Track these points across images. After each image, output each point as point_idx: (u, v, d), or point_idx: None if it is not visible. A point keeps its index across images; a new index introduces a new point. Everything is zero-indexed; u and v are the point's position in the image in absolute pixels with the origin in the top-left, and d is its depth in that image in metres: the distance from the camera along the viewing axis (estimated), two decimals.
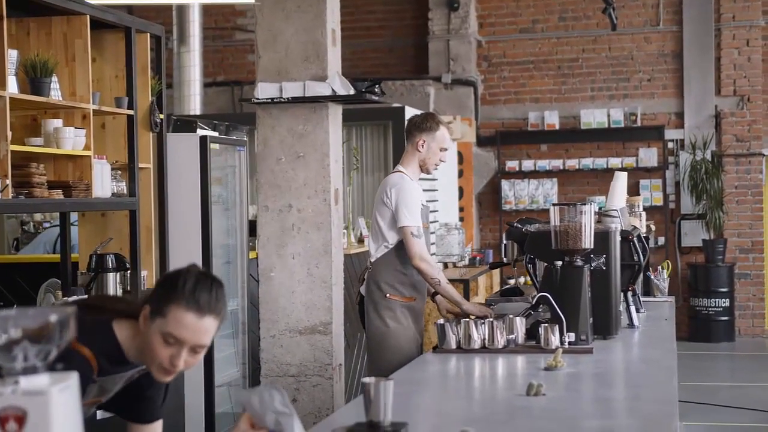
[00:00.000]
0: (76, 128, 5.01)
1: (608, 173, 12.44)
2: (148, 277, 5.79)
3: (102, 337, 2.64)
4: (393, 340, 5.17)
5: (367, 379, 2.72)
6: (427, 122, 5.30)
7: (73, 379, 1.79)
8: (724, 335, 12.20)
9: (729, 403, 8.74)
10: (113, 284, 5.35)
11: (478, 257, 11.17)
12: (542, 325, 4.23)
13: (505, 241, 5.19)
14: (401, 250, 5.21)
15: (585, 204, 4.41)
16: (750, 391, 9.55)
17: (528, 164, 12.81)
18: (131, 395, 2.80)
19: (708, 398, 8.94)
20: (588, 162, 12.67)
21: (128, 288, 5.54)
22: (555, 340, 4.17)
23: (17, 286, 6.36)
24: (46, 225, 8.26)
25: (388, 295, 5.20)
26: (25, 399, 1.71)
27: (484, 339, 4.24)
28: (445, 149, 5.32)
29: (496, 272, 11.26)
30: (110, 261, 5.36)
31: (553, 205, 4.45)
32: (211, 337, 2.62)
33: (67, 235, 5.47)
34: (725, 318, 12.21)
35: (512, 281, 12.29)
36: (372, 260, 5.31)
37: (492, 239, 12.94)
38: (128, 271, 5.50)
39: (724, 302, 12.17)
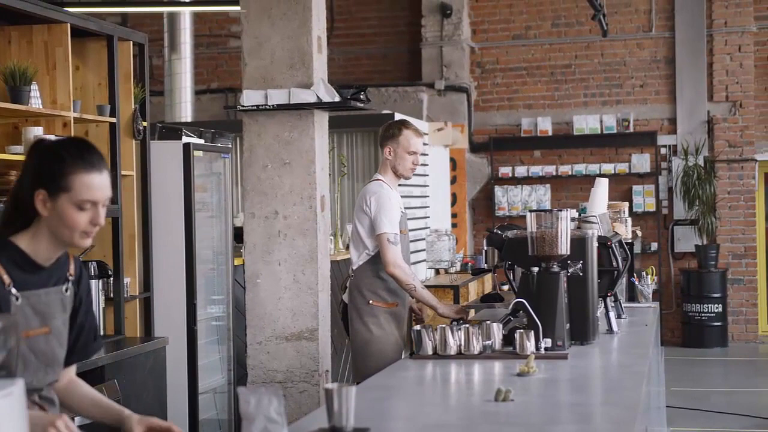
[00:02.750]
0: (57, 136, 5.02)
1: None
2: (131, 284, 5.81)
3: (5, 249, 2.69)
4: (377, 346, 5.22)
5: (329, 385, 2.75)
6: (389, 130, 5.45)
7: (17, 386, 1.81)
8: (717, 341, 12.20)
9: (721, 409, 8.74)
10: (95, 291, 5.36)
11: (470, 263, 11.18)
12: (518, 330, 4.24)
13: (485, 247, 5.21)
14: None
15: (561, 210, 4.42)
16: (742, 396, 9.55)
17: (521, 170, 12.83)
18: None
19: (700, 404, 8.94)
20: (581, 168, 12.68)
21: (111, 295, 5.56)
22: (530, 346, 4.18)
23: None
24: None
25: (370, 301, 5.29)
26: None
27: (461, 345, 4.26)
28: (414, 152, 5.41)
29: (488, 278, 11.27)
30: (93, 268, 5.37)
31: (530, 211, 4.47)
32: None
33: None
34: (718, 323, 12.21)
35: (506, 287, 12.30)
36: (354, 267, 5.40)
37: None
38: (111, 278, 5.52)
39: (717, 308, 12.18)
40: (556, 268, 4.41)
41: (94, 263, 5.41)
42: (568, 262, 4.49)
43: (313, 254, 5.83)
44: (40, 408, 2.70)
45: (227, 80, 13.57)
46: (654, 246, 12.48)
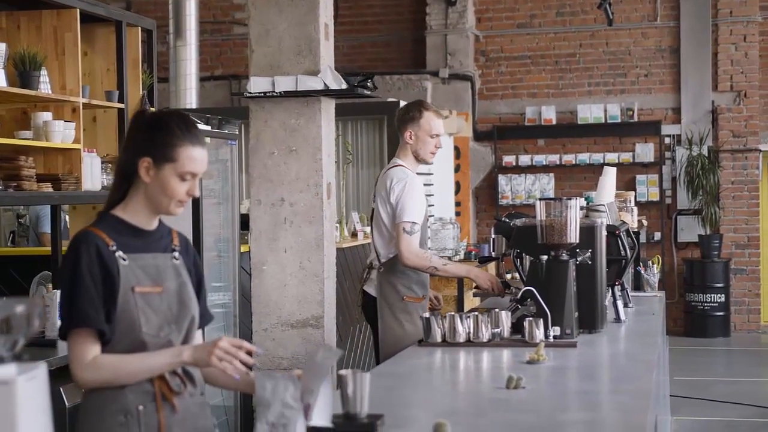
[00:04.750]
0: (65, 121, 5.03)
1: None
2: None
3: (104, 220, 2.85)
4: (408, 342, 5.02)
5: (343, 372, 2.75)
6: (409, 112, 5.22)
7: (41, 369, 1.81)
8: (720, 330, 12.22)
9: (723, 398, 8.76)
10: None
11: (474, 252, 11.18)
12: (527, 319, 4.24)
13: (493, 236, 5.19)
14: None
15: (571, 199, 4.42)
16: (744, 386, 9.57)
17: (525, 159, 12.83)
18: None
19: (702, 393, 8.96)
20: (585, 157, 12.68)
21: None
22: (539, 334, 4.18)
23: (11, 279, 6.39)
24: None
25: (405, 297, 5.10)
26: None
27: (469, 333, 4.26)
28: (437, 135, 5.18)
29: (492, 266, 11.28)
30: None
31: (539, 199, 4.46)
32: None
33: (57, 227, 5.48)
34: (721, 313, 12.23)
35: (509, 276, 12.31)
36: (382, 260, 5.17)
37: (489, 234, 12.95)
38: None
39: (720, 297, 12.19)
40: (565, 257, 4.41)
41: None
42: (577, 250, 4.48)
43: (320, 242, 5.82)
44: (180, 380, 2.85)
45: (231, 67, 13.55)
46: (657, 236, 12.49)
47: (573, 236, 4.40)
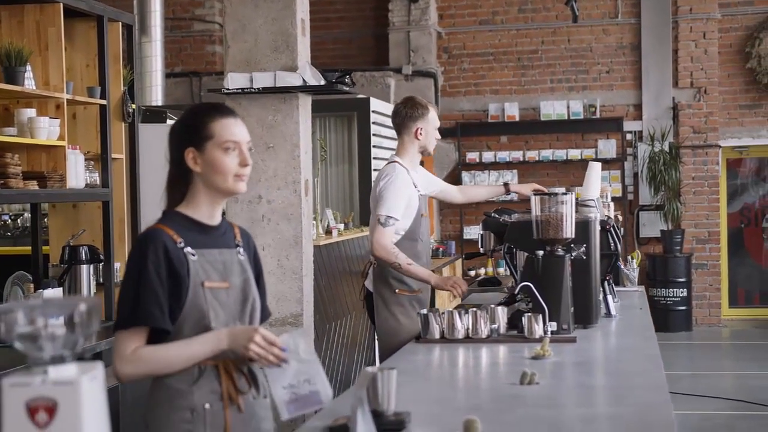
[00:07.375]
0: (50, 118, 4.94)
1: (567, 164, 12.55)
2: (122, 268, 5.72)
3: (170, 217, 2.86)
4: (405, 335, 5.00)
5: (371, 369, 2.72)
6: (418, 110, 5.27)
7: (99, 369, 1.77)
8: (682, 325, 12.35)
9: (688, 392, 8.85)
10: (86, 276, 5.28)
11: (441, 249, 11.21)
12: (525, 314, 4.24)
13: (481, 231, 5.17)
14: (405, 243, 5.12)
15: (566, 193, 4.42)
16: (708, 379, 9.68)
17: (488, 156, 12.86)
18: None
19: (668, 387, 9.03)
20: (548, 153, 12.74)
21: (101, 280, 5.47)
22: (539, 330, 4.18)
23: None
24: (5, 217, 8.13)
25: (397, 290, 5.15)
26: (55, 389, 1.70)
27: (468, 329, 4.25)
28: (437, 127, 5.37)
29: (459, 263, 11.32)
30: (83, 253, 5.28)
31: (535, 194, 4.46)
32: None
33: (38, 226, 5.38)
34: (683, 308, 12.35)
35: (472, 272, 12.35)
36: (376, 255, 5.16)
37: (453, 231, 12.98)
38: (101, 263, 5.43)
39: (682, 292, 12.32)
40: (560, 252, 4.41)
41: (85, 248, 5.32)
42: (572, 245, 4.49)
43: (298, 239, 5.80)
44: (245, 379, 2.84)
45: (191, 64, 13.43)
46: (620, 231, 12.57)
47: (569, 231, 4.40)
